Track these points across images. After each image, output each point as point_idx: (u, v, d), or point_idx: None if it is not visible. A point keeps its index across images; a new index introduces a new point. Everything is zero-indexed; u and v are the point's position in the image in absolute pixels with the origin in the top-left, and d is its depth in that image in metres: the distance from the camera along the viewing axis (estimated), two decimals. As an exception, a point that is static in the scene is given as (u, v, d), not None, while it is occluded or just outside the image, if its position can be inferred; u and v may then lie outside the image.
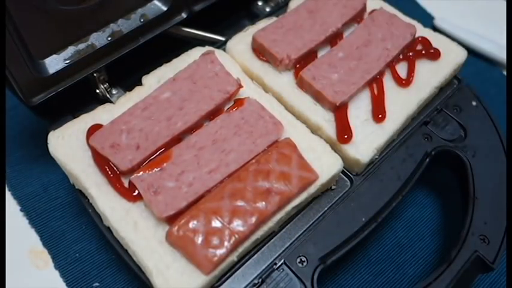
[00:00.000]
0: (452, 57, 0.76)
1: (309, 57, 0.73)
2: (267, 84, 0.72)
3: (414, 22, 0.79)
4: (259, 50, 0.74)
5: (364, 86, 0.70)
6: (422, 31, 0.79)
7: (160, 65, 0.72)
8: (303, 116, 0.69)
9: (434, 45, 0.76)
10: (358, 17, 0.78)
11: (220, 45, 0.79)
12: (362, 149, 0.66)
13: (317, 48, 0.75)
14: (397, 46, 0.74)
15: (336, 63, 0.71)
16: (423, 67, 0.74)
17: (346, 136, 0.66)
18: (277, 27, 0.75)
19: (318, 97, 0.70)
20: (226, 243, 0.55)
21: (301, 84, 0.71)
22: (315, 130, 0.68)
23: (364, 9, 0.79)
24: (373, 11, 0.79)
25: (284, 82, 0.72)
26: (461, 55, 0.76)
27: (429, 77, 0.73)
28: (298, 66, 0.73)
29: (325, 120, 0.68)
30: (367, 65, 0.71)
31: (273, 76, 0.73)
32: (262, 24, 0.78)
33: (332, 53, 0.73)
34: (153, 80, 0.70)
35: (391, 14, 0.78)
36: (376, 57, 0.72)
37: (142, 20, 0.70)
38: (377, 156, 0.68)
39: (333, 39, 0.76)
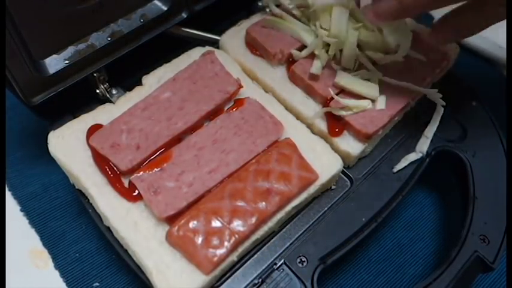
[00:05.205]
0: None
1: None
2: (260, 79, 0.73)
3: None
4: (253, 44, 0.75)
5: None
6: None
7: (160, 65, 0.72)
8: (295, 110, 0.70)
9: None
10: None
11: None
12: (353, 142, 0.67)
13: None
14: None
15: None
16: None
17: (337, 129, 0.67)
18: None
19: (310, 91, 0.70)
20: (226, 243, 0.55)
21: (293, 78, 0.72)
22: (307, 124, 0.69)
23: None
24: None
25: (277, 76, 0.73)
26: (454, 51, 0.77)
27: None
28: (291, 60, 0.73)
29: (317, 114, 0.69)
30: None
31: (266, 70, 0.73)
32: (256, 18, 0.79)
33: None
34: (153, 80, 0.70)
35: None
36: None
37: (142, 20, 0.70)
38: (368, 149, 0.68)
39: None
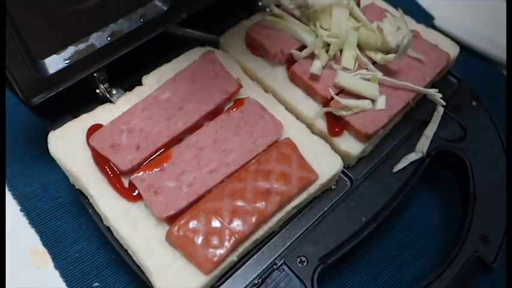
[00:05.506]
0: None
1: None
2: (260, 79, 0.73)
3: (407, 18, 0.79)
4: (253, 44, 0.75)
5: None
6: (415, 27, 0.79)
7: (161, 65, 0.72)
8: (295, 110, 0.70)
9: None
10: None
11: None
12: (353, 142, 0.67)
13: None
14: None
15: None
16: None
17: (337, 129, 0.67)
18: None
19: (310, 91, 0.70)
20: (226, 243, 0.55)
21: (293, 78, 0.72)
22: (307, 124, 0.69)
23: None
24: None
25: (277, 76, 0.73)
26: (454, 51, 0.77)
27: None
28: (291, 60, 0.73)
29: (317, 114, 0.69)
30: None
31: (266, 70, 0.73)
32: (256, 18, 0.79)
33: None
34: (153, 80, 0.70)
35: None
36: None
37: (142, 20, 0.70)
38: (368, 149, 0.69)
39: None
